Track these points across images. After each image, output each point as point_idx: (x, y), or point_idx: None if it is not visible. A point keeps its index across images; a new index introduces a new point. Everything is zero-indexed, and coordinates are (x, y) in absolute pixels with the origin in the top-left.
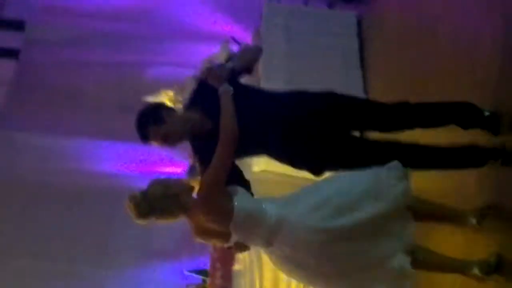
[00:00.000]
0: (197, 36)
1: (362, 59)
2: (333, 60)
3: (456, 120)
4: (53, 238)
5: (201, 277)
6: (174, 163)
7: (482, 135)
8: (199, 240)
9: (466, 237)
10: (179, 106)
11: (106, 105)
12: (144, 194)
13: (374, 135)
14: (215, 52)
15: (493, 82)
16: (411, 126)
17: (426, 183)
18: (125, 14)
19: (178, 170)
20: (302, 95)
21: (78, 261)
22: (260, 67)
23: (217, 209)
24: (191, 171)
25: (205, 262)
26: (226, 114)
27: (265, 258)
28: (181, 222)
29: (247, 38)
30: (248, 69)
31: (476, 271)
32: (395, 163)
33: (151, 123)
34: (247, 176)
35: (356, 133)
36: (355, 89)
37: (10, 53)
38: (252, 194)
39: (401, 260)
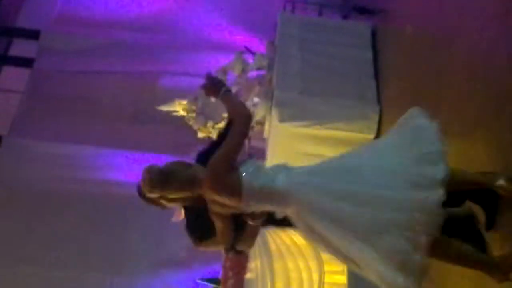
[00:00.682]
0: (211, 46)
1: (376, 70)
2: (347, 71)
3: None
4: (65, 245)
5: (212, 285)
6: None
7: None
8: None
9: None
10: (192, 115)
11: (120, 115)
12: (161, 167)
13: None
14: (229, 62)
15: (508, 96)
16: None
17: None
18: (139, 24)
19: None
20: None
21: (89, 269)
22: (274, 77)
23: (226, 184)
24: None
25: (217, 270)
26: (234, 102)
27: (277, 267)
28: None
29: (261, 49)
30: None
31: (502, 181)
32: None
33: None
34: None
35: None
36: (368, 99)
37: (25, 62)
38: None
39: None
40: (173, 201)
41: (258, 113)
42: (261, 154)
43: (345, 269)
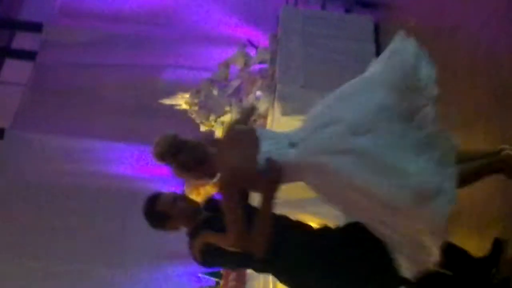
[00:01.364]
0: (214, 40)
1: None
2: (350, 64)
3: None
4: (66, 239)
5: (214, 279)
6: None
7: None
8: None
9: None
10: (194, 109)
11: (122, 108)
12: (176, 136)
13: None
14: (232, 56)
15: (510, 88)
16: None
17: None
18: (142, 17)
19: None
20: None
21: (92, 263)
22: (276, 71)
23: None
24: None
25: None
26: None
27: None
28: None
29: (264, 42)
30: None
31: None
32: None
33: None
34: None
35: None
36: None
37: (27, 55)
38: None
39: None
40: (183, 174)
41: (261, 107)
42: None
43: None
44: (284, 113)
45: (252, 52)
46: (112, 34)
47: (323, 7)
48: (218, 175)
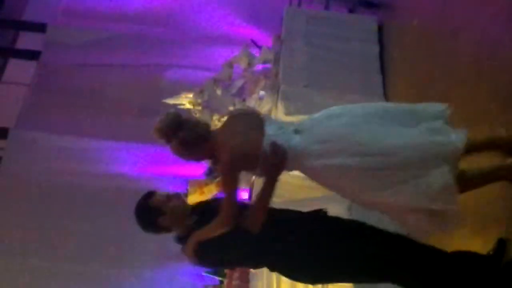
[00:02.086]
0: (217, 40)
1: (382, 64)
2: (353, 64)
3: None
4: (71, 239)
5: (218, 278)
6: (193, 165)
7: None
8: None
9: None
10: (198, 108)
11: (126, 107)
12: (179, 113)
13: None
14: (236, 56)
15: None
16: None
17: None
18: (145, 18)
19: (197, 172)
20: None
21: (97, 262)
22: (280, 71)
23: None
24: (210, 173)
25: None
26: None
27: None
28: None
29: (268, 42)
30: None
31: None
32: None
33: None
34: None
35: None
36: (375, 93)
37: (31, 55)
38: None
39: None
40: (182, 152)
41: (264, 107)
42: None
43: None
44: (288, 113)
45: (255, 52)
46: (116, 34)
47: (326, 7)
48: (218, 158)
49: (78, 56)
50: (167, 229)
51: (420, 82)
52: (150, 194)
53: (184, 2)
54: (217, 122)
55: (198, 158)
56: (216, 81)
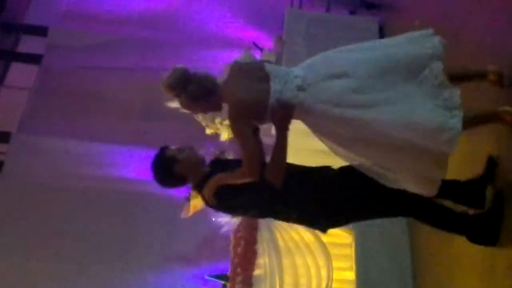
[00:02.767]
0: (219, 42)
1: None
2: None
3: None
4: (73, 241)
5: (221, 282)
6: None
7: None
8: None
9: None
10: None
11: (128, 111)
12: (186, 68)
13: None
14: (237, 58)
15: None
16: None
17: None
18: (148, 20)
19: None
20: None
21: (99, 264)
22: None
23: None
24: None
25: (226, 267)
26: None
27: (286, 263)
28: (202, 228)
29: (269, 44)
30: None
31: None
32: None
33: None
34: None
35: None
36: None
37: (33, 59)
38: None
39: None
40: (191, 106)
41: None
42: (269, 150)
43: (354, 265)
44: None
45: (257, 54)
46: (118, 37)
47: (327, 9)
48: (225, 107)
49: (80, 59)
50: (183, 178)
51: None
52: (164, 148)
53: (186, 5)
54: (219, 125)
55: (206, 109)
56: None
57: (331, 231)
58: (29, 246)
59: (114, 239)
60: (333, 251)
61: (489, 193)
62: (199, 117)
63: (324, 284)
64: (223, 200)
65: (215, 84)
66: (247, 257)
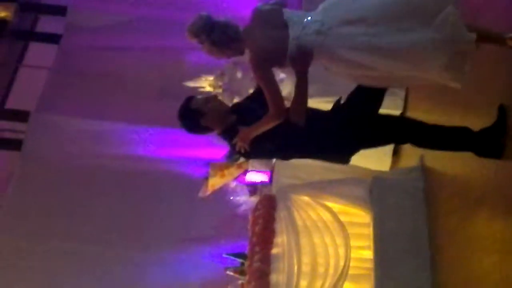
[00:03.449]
0: (237, 22)
1: None
2: None
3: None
4: (93, 221)
5: (239, 260)
6: (214, 147)
7: None
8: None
9: None
10: (218, 91)
11: (147, 90)
12: (210, 15)
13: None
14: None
15: None
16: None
17: None
18: (166, 1)
19: (218, 154)
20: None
21: (120, 245)
22: None
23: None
24: (230, 155)
25: (244, 245)
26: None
27: (304, 242)
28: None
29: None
30: None
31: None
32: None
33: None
34: None
35: None
36: None
37: (52, 38)
38: None
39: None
40: (214, 52)
41: (284, 89)
42: None
43: (371, 244)
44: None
45: None
46: (136, 17)
47: None
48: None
49: (99, 39)
50: (210, 129)
51: None
52: (190, 98)
53: None
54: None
55: (229, 55)
56: (236, 64)
57: (350, 211)
58: (48, 225)
59: (132, 218)
60: (351, 230)
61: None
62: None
63: (342, 262)
64: (255, 149)
65: (237, 31)
66: (265, 235)
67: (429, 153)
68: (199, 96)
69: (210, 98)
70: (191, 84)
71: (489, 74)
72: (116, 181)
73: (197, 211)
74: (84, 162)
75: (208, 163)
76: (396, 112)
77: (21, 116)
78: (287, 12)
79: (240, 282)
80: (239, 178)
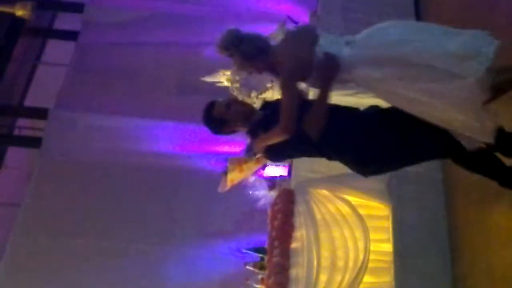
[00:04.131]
0: (254, 16)
1: None
2: None
3: None
4: (112, 216)
5: (259, 255)
6: (232, 142)
7: None
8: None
9: None
10: (236, 86)
11: (164, 86)
12: (239, 29)
13: None
14: (272, 32)
15: None
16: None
17: None
18: None
19: (236, 149)
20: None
21: (138, 239)
22: None
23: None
24: (248, 150)
25: (263, 240)
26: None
27: (323, 236)
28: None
29: (304, 19)
30: None
31: None
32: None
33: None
34: None
35: None
36: None
37: (70, 35)
38: None
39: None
40: (244, 65)
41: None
42: None
43: (391, 237)
44: None
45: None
46: (153, 13)
47: None
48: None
49: (117, 35)
50: (235, 131)
51: None
52: (211, 105)
53: None
54: (255, 99)
55: (259, 69)
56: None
57: (368, 204)
58: (68, 222)
59: (153, 214)
60: (370, 223)
61: None
62: (235, 91)
63: (361, 256)
64: (274, 153)
65: (267, 44)
66: (284, 230)
67: None
68: (220, 100)
69: (231, 103)
70: (208, 79)
71: None
72: (136, 177)
73: (216, 206)
74: (104, 159)
75: (226, 158)
76: None
77: (40, 113)
78: (320, 31)
79: (259, 276)
80: (258, 173)
